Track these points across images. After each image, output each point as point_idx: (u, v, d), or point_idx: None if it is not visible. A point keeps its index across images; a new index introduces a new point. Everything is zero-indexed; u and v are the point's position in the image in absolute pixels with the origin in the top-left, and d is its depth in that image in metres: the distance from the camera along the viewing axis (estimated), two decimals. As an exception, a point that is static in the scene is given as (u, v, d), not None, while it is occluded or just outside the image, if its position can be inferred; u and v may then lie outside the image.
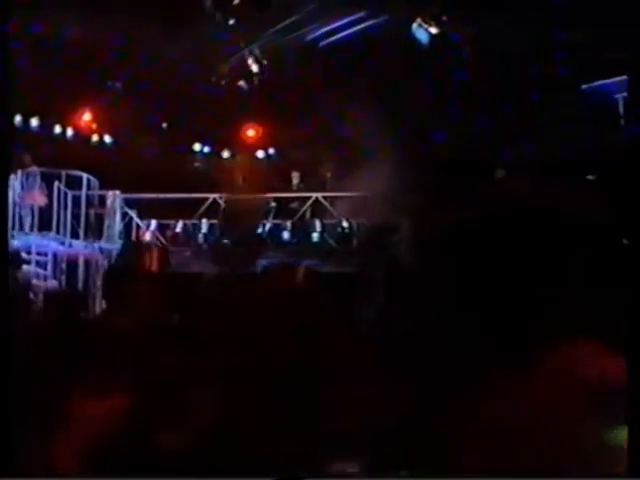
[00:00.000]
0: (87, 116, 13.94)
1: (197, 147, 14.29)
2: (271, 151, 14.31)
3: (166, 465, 3.02)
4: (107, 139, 13.99)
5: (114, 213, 12.73)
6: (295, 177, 13.36)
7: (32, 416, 3.12)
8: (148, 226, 12.79)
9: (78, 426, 3.16)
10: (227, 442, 2.97)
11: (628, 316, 2.31)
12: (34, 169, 11.69)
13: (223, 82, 12.77)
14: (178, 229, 12.70)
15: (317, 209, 12.84)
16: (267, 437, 2.93)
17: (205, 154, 14.51)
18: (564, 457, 2.06)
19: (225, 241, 11.80)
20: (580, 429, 2.07)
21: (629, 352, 2.27)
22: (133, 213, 12.81)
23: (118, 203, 12.76)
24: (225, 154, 14.40)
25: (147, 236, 12.50)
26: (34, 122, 13.57)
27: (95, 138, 13.95)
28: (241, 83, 12.93)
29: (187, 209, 12.86)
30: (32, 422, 3.13)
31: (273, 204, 12.99)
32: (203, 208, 12.84)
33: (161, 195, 12.62)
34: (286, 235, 12.51)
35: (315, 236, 12.38)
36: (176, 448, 3.02)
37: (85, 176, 12.29)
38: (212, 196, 12.78)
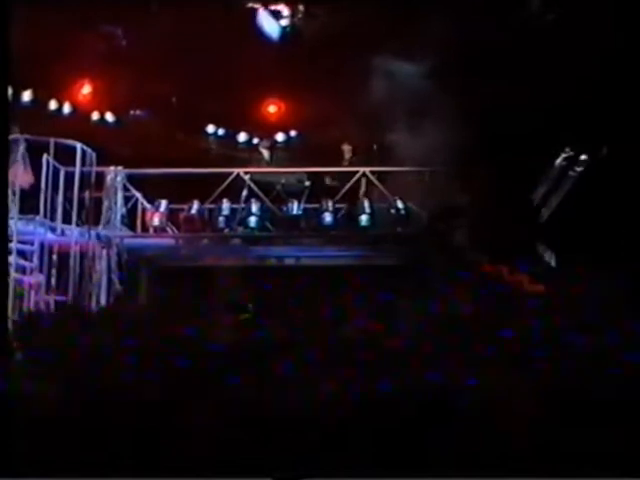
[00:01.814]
0: (86, 88, 12.95)
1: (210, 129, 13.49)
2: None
3: (166, 465, 3.74)
4: (108, 115, 13.04)
5: (115, 193, 11.36)
6: (347, 151, 12.17)
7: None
8: (157, 208, 11.48)
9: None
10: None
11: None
12: (17, 136, 10.14)
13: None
14: (193, 211, 11.37)
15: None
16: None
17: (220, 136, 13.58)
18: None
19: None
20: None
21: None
22: (138, 193, 11.54)
23: (120, 181, 11.42)
24: (241, 137, 13.31)
25: (156, 220, 11.26)
26: (26, 95, 12.45)
27: (94, 112, 12.97)
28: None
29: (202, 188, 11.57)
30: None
31: (307, 182, 11.81)
32: (224, 186, 11.42)
33: (173, 170, 11.44)
34: (328, 218, 11.20)
35: (364, 219, 11.03)
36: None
37: (79, 146, 10.85)
38: (236, 170, 11.54)
